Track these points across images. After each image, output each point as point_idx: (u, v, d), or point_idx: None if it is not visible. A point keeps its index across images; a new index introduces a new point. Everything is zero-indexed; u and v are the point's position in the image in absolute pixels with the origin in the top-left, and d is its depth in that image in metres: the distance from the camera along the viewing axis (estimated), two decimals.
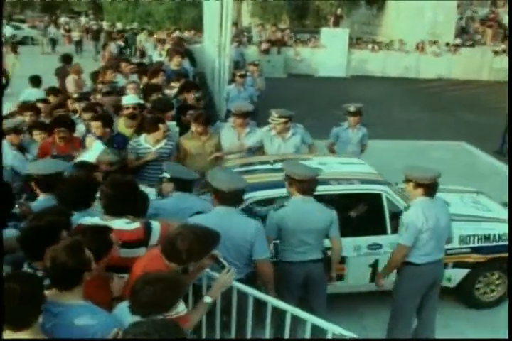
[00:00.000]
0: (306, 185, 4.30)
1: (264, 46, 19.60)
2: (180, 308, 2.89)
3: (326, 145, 7.47)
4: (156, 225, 3.63)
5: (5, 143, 5.57)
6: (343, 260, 4.84)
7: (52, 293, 2.72)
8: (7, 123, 5.84)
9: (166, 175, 4.64)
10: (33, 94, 8.64)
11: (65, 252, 2.71)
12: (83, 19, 40.46)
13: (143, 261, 3.30)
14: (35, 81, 9.18)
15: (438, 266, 4.56)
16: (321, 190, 4.54)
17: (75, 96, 7.68)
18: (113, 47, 18.37)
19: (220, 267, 3.45)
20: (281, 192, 4.63)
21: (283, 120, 6.25)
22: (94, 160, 5.10)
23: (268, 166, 5.52)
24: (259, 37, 22.11)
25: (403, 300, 4.56)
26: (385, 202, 5.14)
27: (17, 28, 33.23)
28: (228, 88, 9.92)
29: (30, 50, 25.56)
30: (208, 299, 3.27)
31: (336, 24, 22.22)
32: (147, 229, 3.59)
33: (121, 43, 23.02)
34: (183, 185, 4.55)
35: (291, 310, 3.47)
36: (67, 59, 11.85)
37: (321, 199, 4.46)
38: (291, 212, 4.28)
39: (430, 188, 4.38)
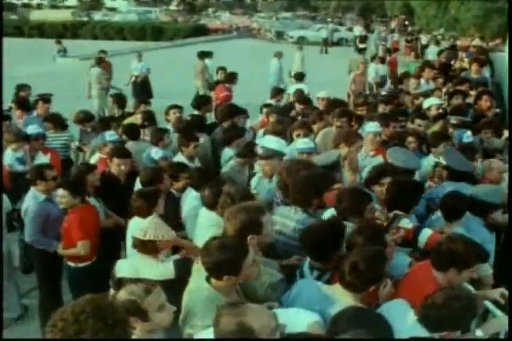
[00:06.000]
0: None
1: None
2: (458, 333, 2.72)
3: None
4: (427, 231, 3.64)
5: None
6: None
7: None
8: None
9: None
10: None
11: (368, 262, 2.71)
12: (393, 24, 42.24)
13: (416, 269, 3.24)
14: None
15: None
16: None
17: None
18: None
19: None
20: None
21: None
22: None
23: None
24: None
25: None
26: None
27: (335, 30, 37.63)
28: None
29: (345, 50, 29.00)
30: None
31: None
32: (416, 231, 3.61)
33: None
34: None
35: None
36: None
37: None
38: None
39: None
